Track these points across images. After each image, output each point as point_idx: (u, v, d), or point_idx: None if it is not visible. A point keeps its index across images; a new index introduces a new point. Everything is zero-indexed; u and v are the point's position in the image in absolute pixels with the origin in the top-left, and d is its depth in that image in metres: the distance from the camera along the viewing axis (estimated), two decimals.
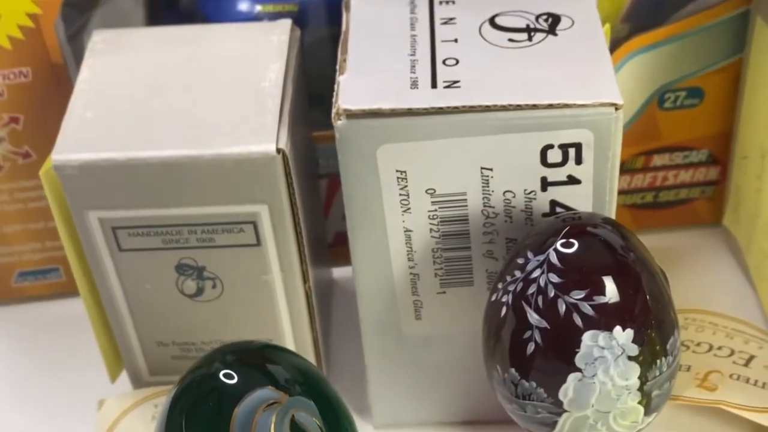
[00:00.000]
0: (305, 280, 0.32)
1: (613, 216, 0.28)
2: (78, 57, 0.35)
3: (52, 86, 0.34)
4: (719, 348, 0.34)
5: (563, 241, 0.26)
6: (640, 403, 0.26)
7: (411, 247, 0.30)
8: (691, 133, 0.38)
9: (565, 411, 0.26)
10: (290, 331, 0.33)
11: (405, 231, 0.29)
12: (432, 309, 0.31)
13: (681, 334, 0.27)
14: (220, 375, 0.24)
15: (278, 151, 0.29)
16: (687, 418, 0.33)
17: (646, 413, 0.26)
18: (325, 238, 0.39)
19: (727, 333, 0.35)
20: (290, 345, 0.33)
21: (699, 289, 0.38)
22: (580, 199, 0.28)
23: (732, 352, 0.34)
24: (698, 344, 0.34)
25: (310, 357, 0.33)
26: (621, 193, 0.39)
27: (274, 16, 0.35)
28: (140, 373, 0.34)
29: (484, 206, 0.28)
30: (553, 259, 0.26)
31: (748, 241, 0.37)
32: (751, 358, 0.34)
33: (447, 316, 0.31)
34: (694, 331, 0.35)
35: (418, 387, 0.33)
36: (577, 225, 0.26)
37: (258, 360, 0.25)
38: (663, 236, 0.40)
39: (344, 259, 0.38)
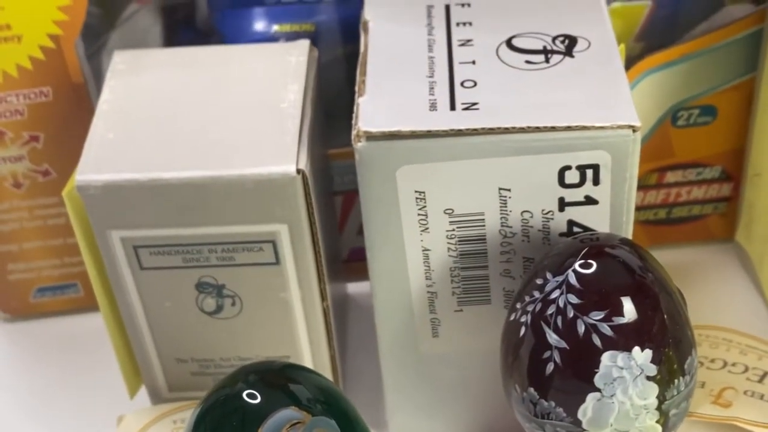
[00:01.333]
0: (323, 297, 0.32)
1: (630, 236, 0.29)
2: (97, 76, 0.35)
3: (72, 105, 0.35)
4: (733, 364, 0.35)
5: (582, 262, 0.26)
6: (658, 422, 0.26)
7: (429, 266, 0.30)
8: (704, 151, 0.38)
9: (584, 430, 0.26)
10: (308, 348, 0.33)
11: (423, 250, 0.29)
12: (449, 327, 0.31)
13: (698, 352, 0.27)
14: (244, 395, 0.24)
15: (298, 171, 0.29)
16: None
17: (664, 430, 0.27)
18: (340, 254, 0.40)
19: (741, 349, 0.35)
20: (308, 362, 0.33)
21: (712, 305, 0.38)
22: (597, 219, 0.28)
23: (746, 369, 0.34)
24: (712, 361, 0.35)
25: (328, 374, 0.34)
26: (635, 209, 0.39)
27: (291, 36, 0.35)
28: (159, 389, 0.34)
29: (502, 226, 0.29)
30: (572, 279, 0.26)
31: (761, 257, 0.38)
32: (765, 374, 0.34)
33: (464, 334, 0.31)
34: (708, 348, 0.35)
35: (435, 403, 0.33)
36: (595, 246, 0.27)
37: (280, 380, 0.25)
38: (676, 252, 0.40)
39: (358, 274, 0.38)
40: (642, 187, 0.39)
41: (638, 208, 0.40)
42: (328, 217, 0.35)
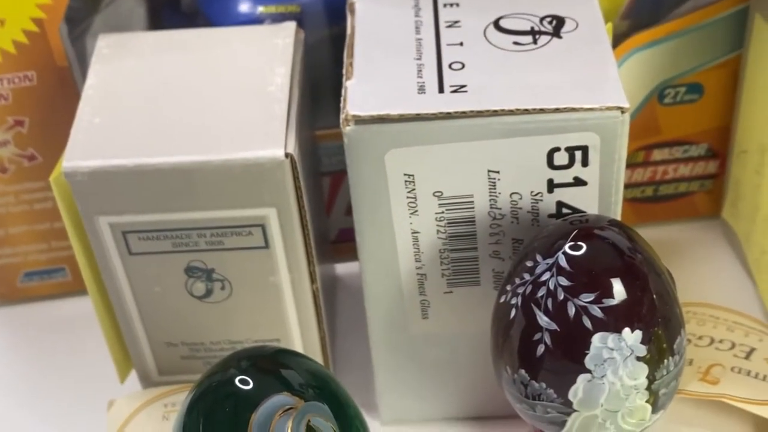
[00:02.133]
0: (312, 280, 0.32)
1: (618, 216, 0.29)
2: (81, 59, 0.35)
3: (56, 89, 0.34)
4: (720, 341, 0.35)
5: (572, 244, 0.26)
6: (647, 401, 0.26)
7: (418, 248, 0.30)
8: (691, 128, 0.38)
9: (575, 411, 0.26)
10: (298, 330, 0.33)
11: (412, 232, 0.29)
12: (439, 308, 0.31)
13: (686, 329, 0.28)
14: (236, 381, 0.24)
15: (287, 155, 0.29)
16: (690, 411, 0.34)
17: (654, 411, 0.27)
18: (329, 235, 0.40)
19: (728, 326, 0.35)
20: (298, 344, 0.33)
21: (699, 282, 0.38)
22: (586, 200, 0.28)
23: (733, 345, 0.35)
24: (700, 338, 0.35)
25: (318, 356, 0.34)
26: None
27: (277, 17, 0.35)
28: (149, 372, 0.34)
29: (491, 208, 0.29)
30: (562, 262, 0.26)
31: (747, 235, 0.38)
32: (752, 350, 0.34)
33: (454, 315, 0.31)
34: (696, 325, 0.35)
35: (425, 384, 0.33)
36: (584, 228, 0.27)
37: (272, 365, 0.25)
38: (663, 229, 0.40)
39: (347, 255, 0.38)
40: (629, 165, 0.39)
41: (625, 186, 0.39)
42: (316, 198, 0.35)
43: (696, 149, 0.39)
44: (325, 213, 0.39)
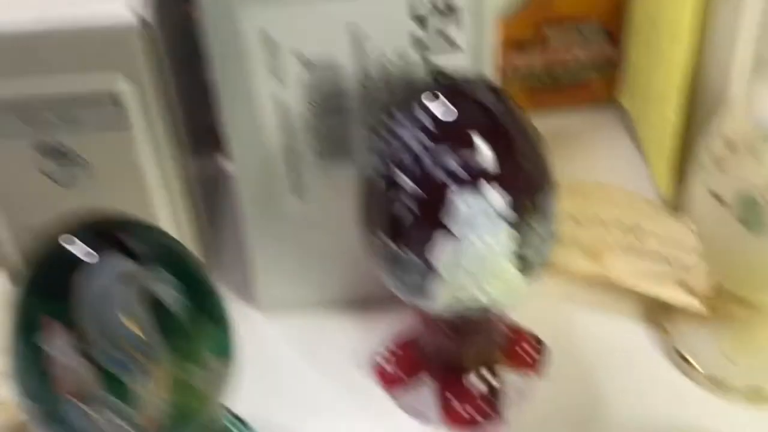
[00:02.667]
0: (181, 165, 0.30)
1: (492, 78, 0.27)
2: None
3: None
4: (609, 221, 0.34)
5: (435, 101, 0.25)
6: (513, 264, 0.25)
7: (285, 119, 0.28)
8: (586, 7, 0.37)
9: (438, 274, 0.25)
10: (166, 216, 0.31)
11: (276, 102, 0.28)
12: (311, 185, 0.30)
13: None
14: (71, 248, 0.23)
15: (140, 23, 0.27)
16: (577, 290, 0.33)
17: (523, 275, 0.25)
18: (213, 126, 0.38)
19: (617, 205, 0.34)
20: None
21: (594, 166, 0.37)
22: (458, 65, 0.27)
23: (622, 225, 0.34)
24: (588, 218, 0.34)
25: (187, 243, 0.32)
26: (518, 75, 0.38)
27: None
28: (12, 261, 0.33)
29: (358, 72, 0.27)
30: (426, 121, 0.24)
31: (640, 114, 0.37)
32: (641, 230, 0.34)
33: (326, 193, 0.30)
34: (585, 204, 0.34)
35: (302, 267, 0.32)
36: (450, 86, 0.25)
37: (114, 232, 0.23)
38: (561, 116, 0.39)
39: None
40: (523, 47, 0.38)
41: (522, 74, 0.38)
42: (191, 80, 0.33)
43: (589, 30, 0.38)
44: (208, 100, 0.37)
